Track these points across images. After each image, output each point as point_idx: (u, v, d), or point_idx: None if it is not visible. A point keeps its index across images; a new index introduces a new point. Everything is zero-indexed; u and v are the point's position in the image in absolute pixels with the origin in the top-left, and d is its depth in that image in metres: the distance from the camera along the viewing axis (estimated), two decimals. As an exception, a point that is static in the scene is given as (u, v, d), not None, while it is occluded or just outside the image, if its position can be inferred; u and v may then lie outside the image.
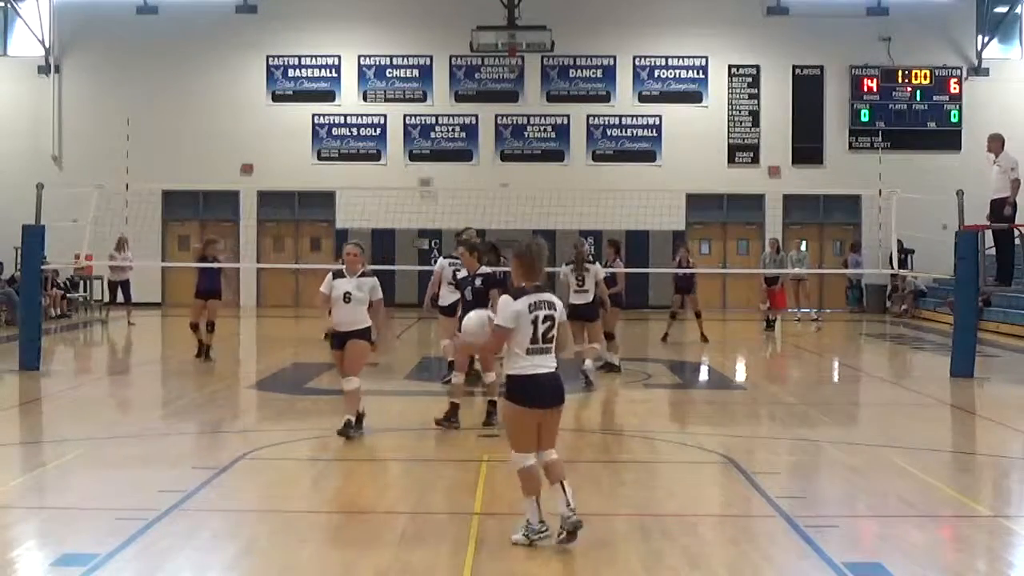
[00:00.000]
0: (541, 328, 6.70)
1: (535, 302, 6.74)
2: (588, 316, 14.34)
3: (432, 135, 30.17)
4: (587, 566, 6.44)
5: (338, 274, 10.36)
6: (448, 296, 14.06)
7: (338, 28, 29.98)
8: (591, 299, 14.50)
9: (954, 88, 30.13)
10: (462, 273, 14.02)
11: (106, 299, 25.59)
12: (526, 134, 30.17)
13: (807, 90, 30.19)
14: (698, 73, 30.22)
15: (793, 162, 30.00)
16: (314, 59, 30.18)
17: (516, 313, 6.70)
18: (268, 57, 30.15)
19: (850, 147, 30.09)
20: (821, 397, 14.38)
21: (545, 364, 6.71)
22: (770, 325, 23.38)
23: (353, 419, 10.24)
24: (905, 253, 25.57)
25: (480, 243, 11.28)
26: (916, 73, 30.08)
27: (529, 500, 6.74)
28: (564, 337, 6.89)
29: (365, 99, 30.18)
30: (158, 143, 29.18)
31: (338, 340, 10.28)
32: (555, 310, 6.79)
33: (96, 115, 29.83)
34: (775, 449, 10.55)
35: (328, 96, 30.15)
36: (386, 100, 30.19)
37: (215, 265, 17.30)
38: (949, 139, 29.89)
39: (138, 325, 24.13)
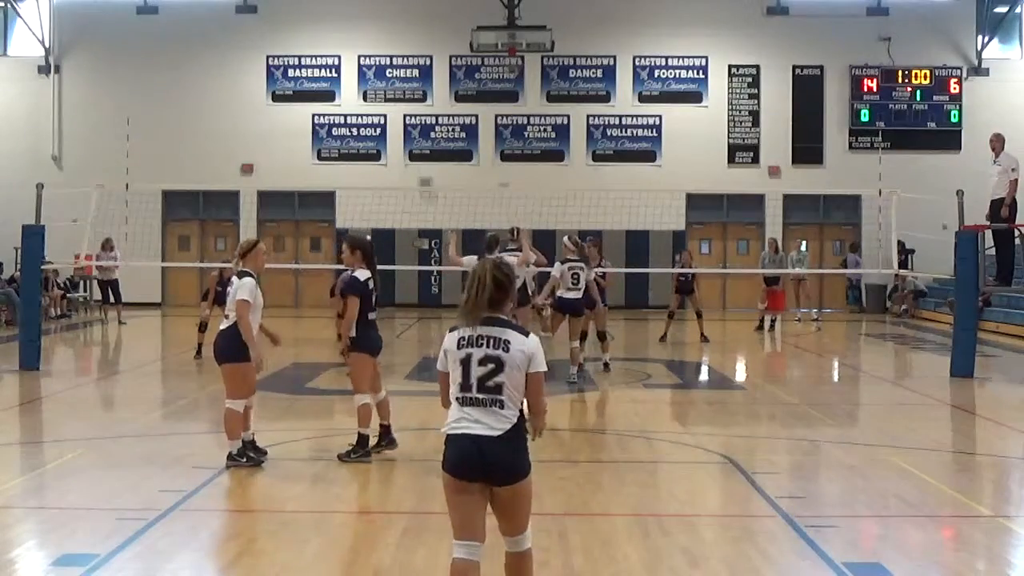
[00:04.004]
0: (475, 371, 4.96)
1: (471, 336, 5.01)
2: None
3: (432, 135, 30.17)
4: (587, 566, 6.44)
5: (253, 278, 9.13)
6: None
7: (338, 28, 29.96)
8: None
9: (954, 88, 30.12)
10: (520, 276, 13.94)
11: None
12: (526, 134, 30.15)
13: (807, 90, 30.18)
14: (698, 73, 30.21)
15: (793, 162, 29.98)
16: (314, 59, 30.18)
17: (443, 350, 5.16)
18: (268, 57, 30.14)
19: (850, 147, 30.07)
20: (821, 397, 14.38)
21: (474, 422, 4.95)
22: (761, 326, 23.31)
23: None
24: (905, 253, 25.57)
25: (363, 239, 9.71)
26: (916, 73, 30.06)
27: None
28: (531, 394, 5.05)
29: (365, 99, 30.17)
30: (158, 143, 29.17)
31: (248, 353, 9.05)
32: (504, 350, 4.95)
33: (96, 115, 29.81)
34: (775, 449, 10.56)
35: (328, 96, 30.14)
36: (386, 100, 30.18)
37: (223, 265, 17.56)
38: (949, 139, 29.87)
39: (137, 325, 24.15)
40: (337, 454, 9.45)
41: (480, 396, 4.96)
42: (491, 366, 4.95)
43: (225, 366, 9.09)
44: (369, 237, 10.08)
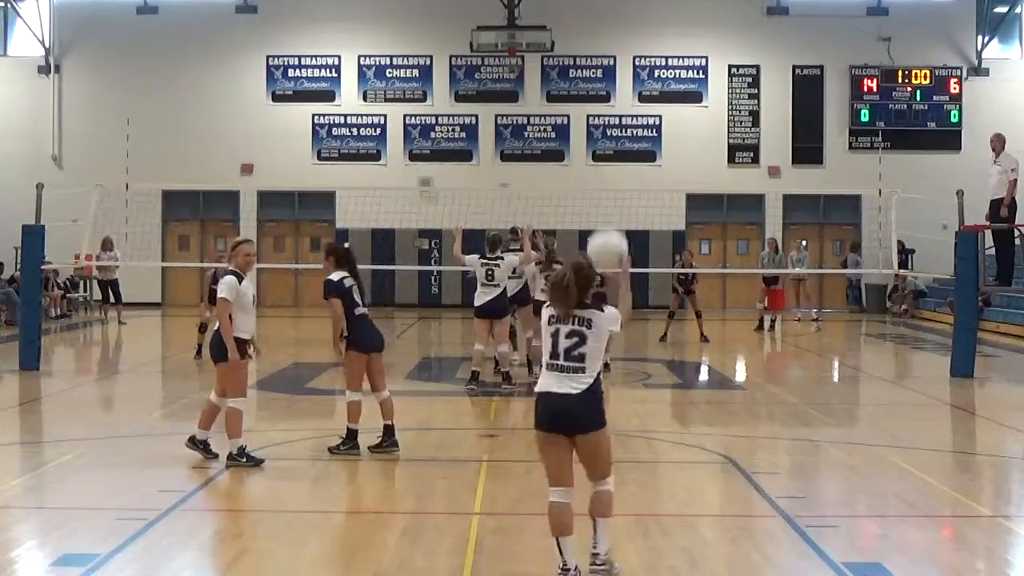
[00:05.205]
0: (563, 343, 6.02)
1: (561, 315, 6.11)
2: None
3: (432, 135, 30.16)
4: (587, 565, 6.43)
5: (237, 276, 9.08)
6: (482, 296, 13.69)
7: (338, 28, 29.96)
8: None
9: (954, 88, 30.11)
10: (501, 270, 13.81)
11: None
12: (526, 134, 30.15)
13: (807, 90, 30.17)
14: (698, 73, 30.21)
15: (793, 162, 29.98)
16: (314, 59, 30.17)
17: (542, 326, 6.25)
18: (268, 57, 30.13)
19: (850, 147, 30.07)
20: (821, 397, 14.38)
21: (558, 383, 5.99)
22: (760, 326, 23.30)
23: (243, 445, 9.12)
24: (905, 253, 25.57)
25: (333, 245, 10.01)
26: (916, 73, 30.06)
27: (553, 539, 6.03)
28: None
29: (365, 99, 30.17)
30: (158, 143, 29.16)
31: (244, 347, 9.12)
32: (587, 327, 6.01)
33: (96, 115, 29.81)
34: (775, 449, 10.56)
35: (328, 96, 30.14)
36: (386, 100, 30.17)
37: (217, 265, 17.47)
38: (949, 139, 29.86)
39: (137, 325, 24.14)
40: (328, 447, 9.60)
41: (566, 363, 6.01)
42: (576, 339, 6.01)
43: (220, 365, 9.13)
44: (347, 244, 10.19)
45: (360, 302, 9.68)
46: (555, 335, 6.04)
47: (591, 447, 6.02)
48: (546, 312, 6.14)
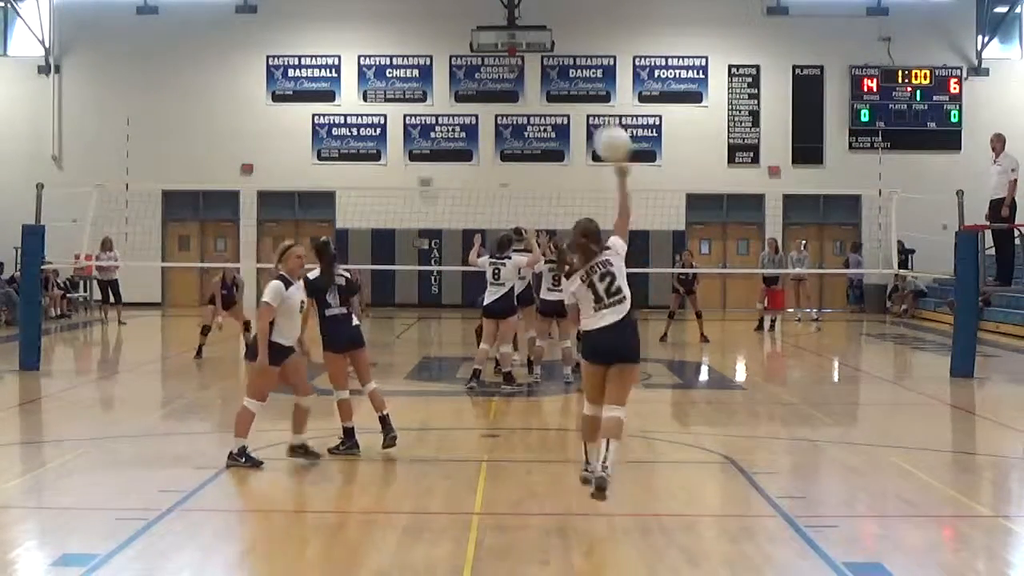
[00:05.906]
0: (601, 287, 7.31)
1: (586, 271, 7.36)
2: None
3: (432, 135, 30.17)
4: (588, 566, 6.44)
5: (285, 281, 9.08)
6: (489, 295, 13.77)
7: (338, 28, 29.97)
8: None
9: (954, 88, 30.13)
10: (507, 269, 13.82)
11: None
12: (526, 134, 30.16)
13: (807, 90, 30.18)
14: (698, 73, 30.22)
15: (793, 162, 29.99)
16: (314, 59, 30.18)
17: (571, 293, 7.47)
18: (268, 57, 30.13)
19: (850, 147, 30.08)
20: (821, 397, 14.37)
21: (608, 317, 7.30)
22: (760, 326, 23.30)
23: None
24: (905, 253, 25.57)
25: (315, 239, 9.88)
26: (916, 73, 30.07)
27: (582, 444, 7.54)
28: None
29: (365, 99, 30.17)
30: (158, 143, 29.17)
31: (282, 355, 9.13)
32: (610, 265, 7.33)
33: (96, 115, 29.81)
34: (775, 449, 10.56)
35: (328, 96, 30.14)
36: (386, 100, 30.18)
37: (224, 265, 17.57)
38: (949, 139, 29.88)
39: (137, 325, 24.14)
40: (327, 447, 9.61)
41: (610, 300, 7.30)
42: (609, 278, 7.32)
43: (247, 363, 9.26)
44: (324, 239, 10.08)
45: (333, 302, 9.63)
46: (592, 286, 7.29)
47: (620, 374, 7.27)
48: (575, 277, 7.32)
